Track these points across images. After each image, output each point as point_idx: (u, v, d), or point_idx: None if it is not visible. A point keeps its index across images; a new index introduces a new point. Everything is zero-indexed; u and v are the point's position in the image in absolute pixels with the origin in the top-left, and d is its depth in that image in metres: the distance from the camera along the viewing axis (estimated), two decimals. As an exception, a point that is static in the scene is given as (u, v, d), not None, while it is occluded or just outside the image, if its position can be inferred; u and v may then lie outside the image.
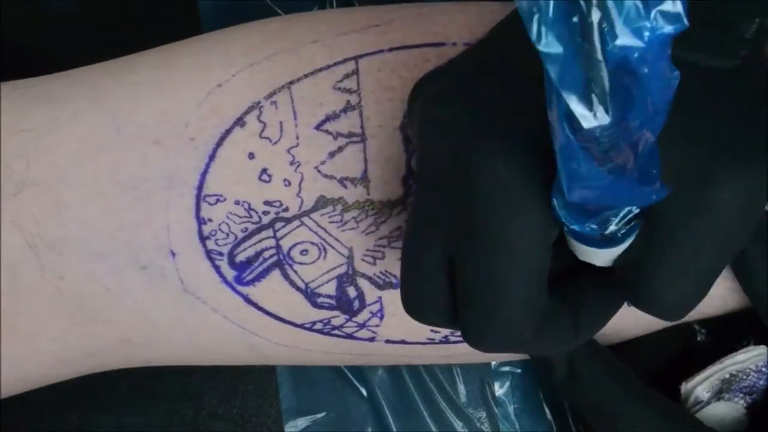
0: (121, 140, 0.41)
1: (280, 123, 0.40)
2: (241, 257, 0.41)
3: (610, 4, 0.23)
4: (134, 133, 0.41)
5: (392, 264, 0.41)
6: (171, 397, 0.55)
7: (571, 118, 0.25)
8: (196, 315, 0.42)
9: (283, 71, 0.41)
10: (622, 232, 0.31)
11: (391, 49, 0.41)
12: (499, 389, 0.55)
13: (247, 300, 0.42)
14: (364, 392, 0.55)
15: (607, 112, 0.25)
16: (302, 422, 0.55)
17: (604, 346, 0.43)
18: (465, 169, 0.32)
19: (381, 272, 0.41)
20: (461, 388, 0.55)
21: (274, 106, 0.41)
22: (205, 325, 0.43)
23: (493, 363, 0.55)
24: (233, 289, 0.41)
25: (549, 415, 0.55)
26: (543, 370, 0.42)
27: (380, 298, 0.41)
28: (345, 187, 0.40)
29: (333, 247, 0.41)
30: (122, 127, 0.41)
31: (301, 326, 0.43)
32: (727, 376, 0.41)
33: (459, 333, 0.41)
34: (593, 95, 0.24)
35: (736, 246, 0.32)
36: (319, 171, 0.40)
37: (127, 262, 0.41)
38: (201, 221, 0.40)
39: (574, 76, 0.24)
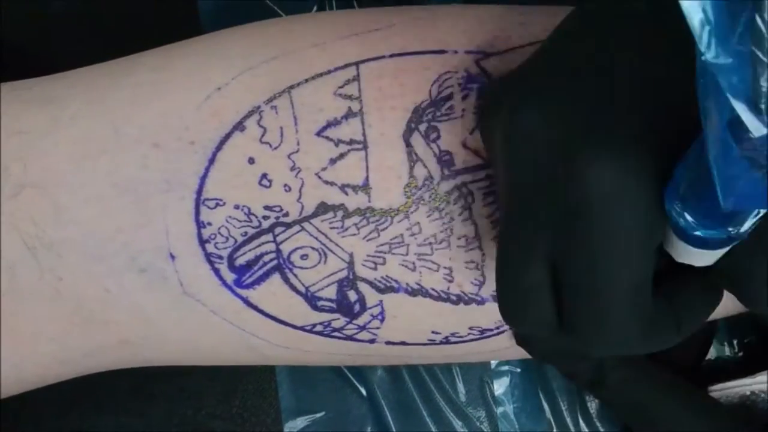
0: (120, 142, 0.41)
1: (281, 128, 0.40)
2: (240, 261, 0.41)
3: None
4: (133, 136, 0.41)
5: (393, 270, 0.41)
6: (170, 396, 0.55)
7: (735, 128, 0.25)
8: (196, 317, 0.42)
9: (283, 75, 0.41)
10: (744, 230, 0.30)
11: (392, 56, 0.41)
12: (499, 389, 0.55)
13: (247, 303, 0.41)
14: (364, 392, 0.55)
15: None
16: (301, 422, 0.55)
17: None
18: (573, 173, 0.31)
19: (382, 277, 0.41)
20: (461, 388, 0.55)
21: (275, 110, 0.40)
22: (205, 326, 0.42)
23: (493, 363, 0.55)
24: (233, 291, 0.41)
25: (548, 415, 0.55)
26: (565, 373, 0.42)
27: (381, 301, 0.41)
28: (346, 194, 0.40)
29: (333, 252, 0.40)
30: (121, 129, 0.41)
31: (301, 328, 0.43)
32: (748, 393, 0.41)
33: (460, 334, 0.42)
34: (762, 104, 0.24)
35: None
36: (320, 177, 0.40)
37: (126, 265, 0.41)
38: (200, 225, 0.40)
39: (744, 84, 0.24)
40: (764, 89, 0.24)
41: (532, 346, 0.43)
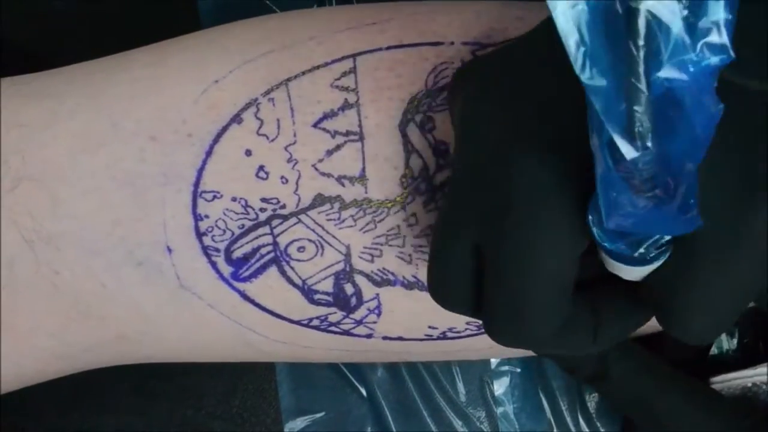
0: (118, 136, 0.41)
1: (278, 120, 0.40)
2: (237, 254, 0.41)
3: (657, 36, 0.23)
4: (131, 129, 0.41)
5: (390, 262, 0.41)
6: (171, 396, 0.55)
7: (613, 148, 0.25)
8: (193, 311, 0.42)
9: (280, 68, 0.41)
10: (651, 255, 0.31)
11: (388, 48, 0.41)
12: (499, 389, 0.55)
13: (244, 296, 0.41)
14: (364, 392, 0.55)
15: (649, 143, 0.24)
16: (301, 422, 0.55)
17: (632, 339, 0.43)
18: (503, 170, 0.31)
19: (379, 269, 0.41)
20: (461, 388, 0.55)
21: (272, 103, 0.40)
22: (202, 321, 0.42)
23: (493, 363, 0.55)
24: (230, 285, 0.41)
25: (548, 415, 0.55)
26: (565, 367, 0.42)
27: (378, 295, 0.41)
28: (343, 185, 0.40)
29: (330, 245, 0.40)
30: (119, 123, 0.41)
31: (298, 323, 0.42)
32: (749, 384, 0.41)
33: (457, 329, 0.41)
34: (636, 127, 0.24)
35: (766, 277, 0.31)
36: (316, 169, 0.40)
37: (124, 258, 0.41)
38: (198, 217, 0.40)
39: (618, 107, 0.24)
40: (638, 113, 0.24)
41: None
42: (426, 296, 0.41)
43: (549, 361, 0.54)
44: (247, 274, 0.41)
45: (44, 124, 0.42)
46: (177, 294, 0.41)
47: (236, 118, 0.40)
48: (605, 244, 0.30)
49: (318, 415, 0.55)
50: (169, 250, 0.41)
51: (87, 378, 0.47)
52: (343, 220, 0.40)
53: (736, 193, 0.29)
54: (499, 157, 0.32)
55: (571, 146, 0.30)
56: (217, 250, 0.40)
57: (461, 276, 0.34)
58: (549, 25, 0.35)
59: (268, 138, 0.40)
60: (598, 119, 0.25)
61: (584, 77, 0.24)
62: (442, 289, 0.36)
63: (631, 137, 0.24)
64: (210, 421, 0.55)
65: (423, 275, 0.41)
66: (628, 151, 0.25)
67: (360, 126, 0.40)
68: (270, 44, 0.42)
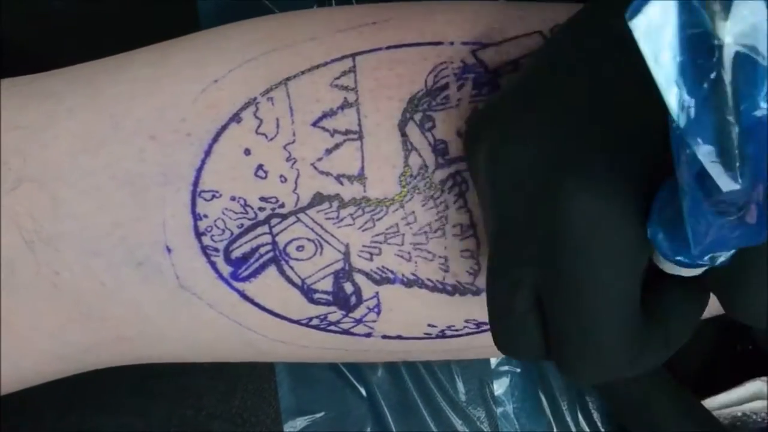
0: (118, 136, 0.41)
1: (277, 119, 0.40)
2: (236, 253, 0.41)
3: (748, 71, 0.23)
4: (131, 129, 0.41)
5: (389, 260, 0.41)
6: (170, 397, 0.55)
7: (702, 180, 0.25)
8: (192, 311, 0.42)
9: (279, 67, 0.41)
10: (721, 258, 0.31)
11: (388, 47, 0.41)
12: (499, 388, 0.55)
13: (243, 296, 0.41)
14: (364, 392, 0.55)
15: (741, 176, 0.25)
16: (301, 422, 0.55)
17: None
18: (550, 205, 0.31)
19: (378, 268, 0.41)
20: (461, 388, 0.55)
21: (271, 102, 0.40)
22: (201, 321, 0.42)
23: (493, 363, 0.55)
24: (229, 285, 0.41)
25: (548, 415, 0.55)
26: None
27: (377, 293, 0.41)
28: (341, 184, 0.40)
29: (329, 243, 0.40)
30: (119, 123, 0.41)
31: (298, 322, 0.42)
32: (739, 414, 0.41)
33: (456, 327, 0.41)
34: (730, 160, 0.24)
35: None
36: (315, 168, 0.40)
37: (123, 258, 0.41)
38: (197, 217, 0.40)
39: (709, 142, 0.24)
40: (731, 147, 0.24)
41: None
42: (425, 293, 0.41)
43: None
44: (246, 273, 0.41)
45: (44, 124, 0.41)
46: (176, 294, 0.41)
47: (235, 117, 0.40)
48: (677, 258, 0.30)
49: (318, 415, 0.55)
50: (169, 250, 0.40)
51: (86, 379, 0.47)
52: (342, 219, 0.40)
53: None
54: (544, 194, 0.32)
55: (615, 164, 0.30)
56: (216, 249, 0.40)
57: (526, 325, 0.34)
58: (554, 50, 0.35)
59: (267, 137, 0.40)
60: (691, 152, 0.25)
61: (681, 122, 0.24)
62: (510, 341, 0.36)
63: (726, 170, 0.24)
64: (210, 422, 0.55)
65: (422, 273, 0.41)
66: (725, 185, 0.25)
67: (359, 125, 0.40)
68: (270, 44, 0.42)
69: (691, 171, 0.25)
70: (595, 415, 0.55)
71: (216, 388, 0.56)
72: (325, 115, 0.40)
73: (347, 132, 0.40)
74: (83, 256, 0.41)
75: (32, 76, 0.45)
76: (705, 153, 0.24)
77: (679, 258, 0.30)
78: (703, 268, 0.32)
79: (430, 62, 0.41)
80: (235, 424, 0.55)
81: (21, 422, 0.53)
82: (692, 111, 0.24)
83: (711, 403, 0.44)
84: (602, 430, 0.54)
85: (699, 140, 0.24)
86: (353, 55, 0.41)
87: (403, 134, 0.40)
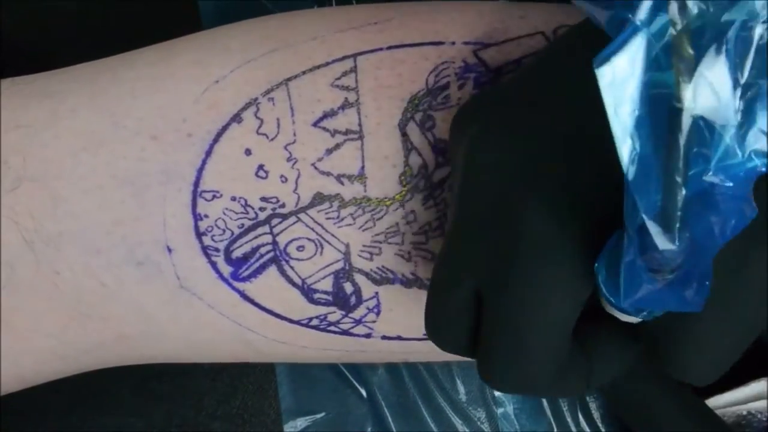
0: (119, 135, 0.41)
1: (278, 119, 0.40)
2: (237, 253, 0.41)
3: (705, 139, 0.24)
4: (132, 128, 0.41)
5: (389, 260, 0.41)
6: (171, 397, 0.55)
7: (642, 235, 0.26)
8: (193, 311, 0.42)
9: (280, 68, 0.41)
10: (655, 314, 0.31)
11: (389, 48, 0.41)
12: (499, 389, 0.55)
13: (244, 296, 0.41)
14: (364, 392, 0.55)
15: (679, 239, 0.25)
16: (302, 422, 0.55)
17: None
18: (509, 216, 0.32)
19: (378, 268, 0.41)
20: (461, 388, 0.55)
21: (272, 102, 0.40)
22: (202, 321, 0.42)
23: (493, 363, 0.55)
24: (229, 285, 0.41)
25: (549, 415, 0.55)
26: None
27: (377, 293, 0.41)
28: (342, 183, 0.40)
29: (329, 243, 0.40)
30: (120, 122, 0.41)
31: (298, 322, 0.42)
32: (744, 413, 0.41)
33: None
34: (671, 221, 0.25)
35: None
36: (316, 168, 0.40)
37: (124, 258, 0.41)
38: (197, 217, 0.40)
39: (655, 200, 0.25)
40: (674, 209, 0.24)
41: None
42: (424, 294, 0.41)
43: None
44: (246, 273, 0.41)
45: (45, 123, 0.42)
46: (177, 294, 0.41)
47: (236, 118, 0.40)
48: (612, 300, 0.31)
49: (318, 416, 0.55)
50: (169, 249, 0.41)
51: (87, 379, 0.47)
52: (342, 219, 0.40)
53: (736, 243, 0.29)
54: (506, 204, 0.32)
55: (579, 193, 0.30)
56: (217, 249, 0.41)
57: (460, 320, 0.35)
58: (553, 57, 0.35)
59: (267, 137, 0.40)
60: (633, 207, 0.25)
61: (629, 175, 0.25)
62: (440, 331, 0.36)
63: (664, 230, 0.25)
64: (210, 422, 0.55)
65: (422, 272, 0.41)
66: (662, 243, 0.25)
67: (360, 125, 0.40)
68: (271, 44, 0.42)
69: (632, 224, 0.26)
70: (596, 416, 0.55)
71: (216, 388, 0.56)
72: (325, 115, 0.40)
73: (348, 132, 0.40)
74: (84, 255, 0.41)
75: (31, 76, 0.45)
76: (647, 209, 0.25)
77: (612, 300, 0.31)
78: (639, 319, 0.32)
79: (431, 62, 0.41)
80: (236, 425, 0.55)
81: (21, 422, 0.53)
82: (642, 166, 0.25)
83: (715, 402, 0.44)
84: (603, 430, 0.54)
85: (644, 195, 0.25)
86: (354, 56, 0.41)
87: (404, 134, 0.40)
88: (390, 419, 0.55)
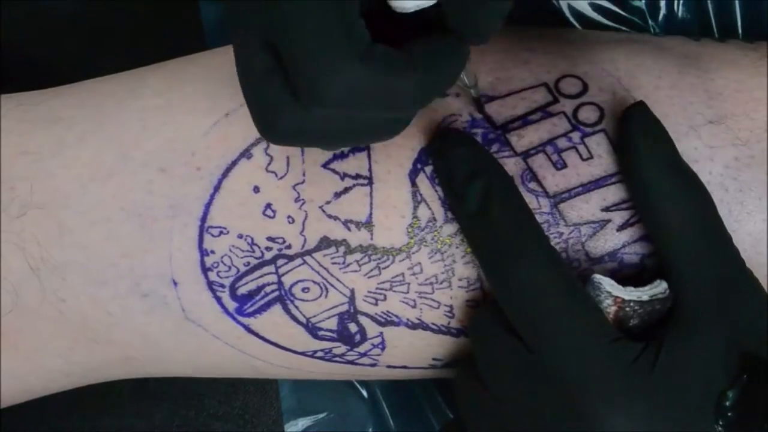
0: (127, 166, 0.42)
1: (287, 158, 0.41)
2: (242, 290, 0.42)
3: None
4: (140, 160, 0.42)
5: (394, 306, 0.42)
6: (172, 397, 0.56)
7: None
8: (198, 340, 0.43)
9: None
10: None
11: None
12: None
13: (248, 330, 0.42)
14: (365, 393, 0.56)
15: None
16: (303, 422, 0.56)
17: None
18: None
19: (383, 312, 0.42)
20: None
21: None
22: (207, 349, 0.44)
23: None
24: (234, 319, 0.42)
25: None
26: (453, 202, 0.41)
27: (381, 333, 0.42)
28: (349, 229, 0.41)
29: (334, 287, 0.41)
30: (128, 154, 0.42)
31: (303, 353, 0.44)
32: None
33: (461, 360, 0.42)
34: None
35: None
36: (323, 211, 0.41)
37: (130, 289, 0.42)
38: (204, 252, 0.41)
39: None
40: None
41: None
42: (429, 335, 0.42)
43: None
44: (251, 310, 0.42)
45: (52, 151, 0.42)
46: (182, 325, 0.43)
47: (246, 153, 0.41)
48: None
49: (319, 416, 0.56)
50: (175, 283, 0.41)
51: (88, 379, 0.48)
52: (348, 265, 0.41)
53: None
54: None
55: None
56: (222, 285, 0.41)
57: (271, 84, 0.34)
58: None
59: (276, 175, 0.41)
60: None
61: None
62: (265, 113, 0.35)
63: None
64: (211, 422, 0.56)
65: (427, 318, 0.42)
66: None
67: (370, 170, 0.41)
68: None
69: None
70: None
71: (218, 389, 0.57)
72: (335, 157, 0.41)
73: (357, 176, 0.41)
74: (89, 285, 0.42)
75: (37, 95, 0.45)
76: None
77: None
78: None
79: (439, 114, 0.41)
80: (237, 425, 0.57)
81: (23, 422, 0.55)
82: None
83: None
84: None
85: None
86: None
87: (413, 184, 0.41)
88: (390, 419, 0.56)
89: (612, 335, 0.37)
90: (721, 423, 0.37)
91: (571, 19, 0.54)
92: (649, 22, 0.55)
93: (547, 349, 0.37)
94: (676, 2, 0.55)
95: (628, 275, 0.41)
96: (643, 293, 0.39)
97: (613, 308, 0.39)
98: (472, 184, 0.39)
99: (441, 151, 0.40)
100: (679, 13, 0.54)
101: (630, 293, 0.39)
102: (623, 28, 0.55)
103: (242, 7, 0.33)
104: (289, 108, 0.34)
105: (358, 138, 0.38)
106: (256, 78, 0.34)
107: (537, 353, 0.37)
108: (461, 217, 0.40)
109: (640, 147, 0.39)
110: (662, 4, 0.55)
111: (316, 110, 0.34)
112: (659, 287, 0.39)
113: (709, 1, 0.54)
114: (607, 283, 0.38)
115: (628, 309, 0.39)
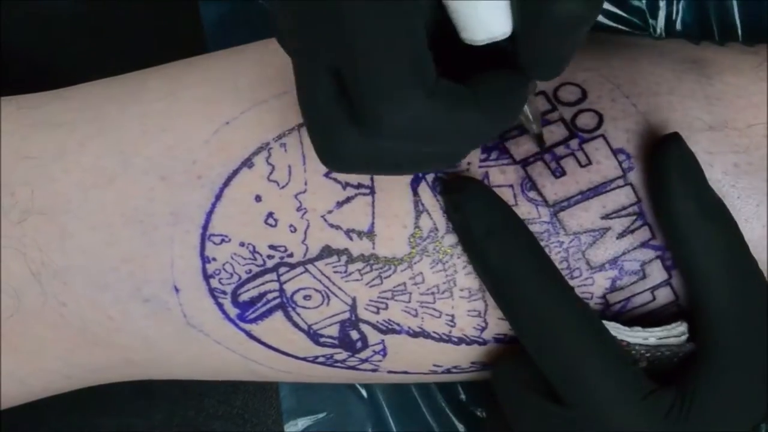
0: (128, 173, 0.42)
1: (289, 167, 0.41)
2: (244, 297, 0.42)
3: None
4: (141, 167, 0.42)
5: (396, 314, 0.42)
6: (172, 397, 0.57)
7: None
8: (199, 345, 0.44)
9: (292, 112, 0.42)
10: None
11: None
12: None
13: (250, 335, 0.43)
14: (364, 393, 0.57)
15: None
16: (302, 422, 0.56)
17: None
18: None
19: (384, 320, 0.42)
20: (461, 388, 0.56)
21: (283, 148, 0.41)
22: (208, 353, 0.44)
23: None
24: (236, 325, 0.43)
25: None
26: (472, 257, 0.41)
27: (383, 340, 0.43)
28: (351, 239, 0.41)
29: (336, 296, 0.42)
30: (129, 159, 0.42)
31: (304, 359, 0.44)
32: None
33: (462, 367, 0.43)
34: None
35: None
36: (325, 220, 0.41)
37: (131, 294, 0.42)
38: (205, 260, 0.42)
39: None
40: None
41: None
42: (431, 343, 0.43)
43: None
44: (253, 316, 0.42)
45: (54, 156, 0.43)
46: (183, 330, 0.43)
47: (247, 162, 0.41)
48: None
49: (319, 416, 0.56)
50: (177, 289, 0.42)
51: (88, 378, 0.48)
52: (350, 274, 0.41)
53: None
54: None
55: None
56: (224, 292, 0.42)
57: (333, 111, 0.34)
58: None
59: (278, 184, 0.41)
60: None
61: None
62: (328, 143, 0.36)
63: None
64: (211, 422, 0.57)
65: (428, 326, 0.42)
66: None
67: (372, 180, 0.41)
68: (282, 85, 0.42)
69: None
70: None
71: (217, 388, 0.57)
72: None
73: (359, 186, 0.41)
74: (90, 289, 0.42)
75: (37, 98, 0.45)
76: None
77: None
78: (499, 17, 0.34)
79: None
80: (237, 425, 0.57)
81: (22, 422, 0.55)
82: None
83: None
84: None
85: None
86: None
87: (415, 194, 0.41)
88: (390, 419, 0.56)
89: (648, 388, 0.38)
90: None
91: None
92: (650, 21, 0.55)
93: (587, 406, 0.38)
94: (676, 2, 0.55)
95: (638, 315, 0.42)
96: (651, 335, 0.39)
97: None
98: (493, 240, 0.39)
99: (457, 204, 0.40)
100: (679, 14, 0.55)
101: (635, 335, 0.39)
102: (623, 28, 0.55)
103: (311, 30, 0.34)
104: (353, 138, 0.34)
105: (418, 167, 0.38)
106: (320, 104, 0.35)
107: (575, 409, 0.38)
108: (481, 273, 0.40)
109: (676, 185, 0.39)
110: (662, 4, 0.55)
111: (379, 141, 0.34)
112: (674, 330, 0.39)
113: (709, 1, 0.54)
114: (612, 327, 0.39)
115: (633, 352, 0.40)
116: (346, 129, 0.34)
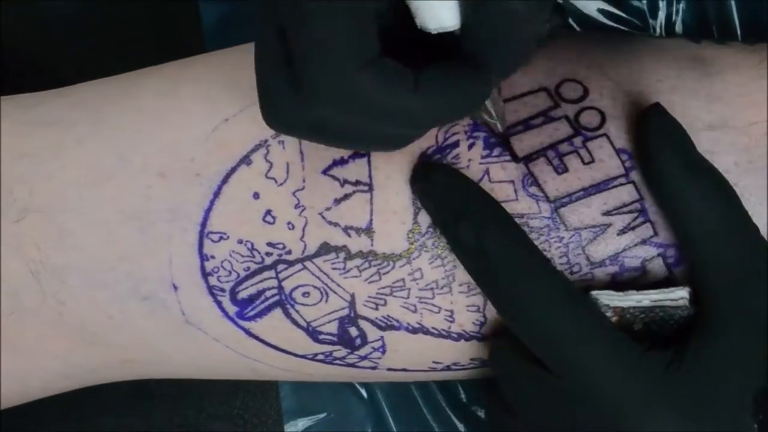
0: (125, 170, 0.42)
1: (287, 164, 0.41)
2: (242, 295, 0.42)
3: None
4: (138, 164, 0.42)
5: (395, 310, 0.42)
6: (172, 397, 0.57)
7: None
8: (198, 343, 0.44)
9: None
10: None
11: None
12: (500, 389, 0.56)
13: (249, 333, 0.43)
14: (364, 393, 0.57)
15: None
16: (302, 423, 0.56)
17: None
18: None
19: (383, 316, 0.42)
20: (461, 388, 0.56)
21: (281, 146, 0.41)
22: (207, 351, 0.44)
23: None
24: (235, 323, 0.43)
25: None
26: (448, 239, 0.41)
27: (382, 337, 0.43)
28: (349, 236, 0.41)
29: (335, 292, 0.42)
30: (126, 157, 0.42)
31: (303, 356, 0.44)
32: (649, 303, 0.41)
33: (461, 364, 0.44)
34: None
35: None
36: (323, 217, 0.41)
37: (129, 292, 0.42)
38: (204, 257, 0.42)
39: None
40: None
41: None
42: (430, 339, 0.43)
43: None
44: (251, 314, 0.42)
45: (51, 154, 0.43)
46: (182, 328, 0.43)
47: (245, 159, 0.41)
48: None
49: (319, 416, 0.57)
50: (175, 287, 0.42)
51: (88, 378, 0.48)
52: (348, 270, 0.41)
53: None
54: None
55: None
56: (223, 290, 0.42)
57: (275, 54, 0.35)
58: None
59: (276, 182, 0.41)
60: None
61: None
62: (261, 69, 0.36)
63: None
64: (211, 422, 0.57)
65: (427, 322, 0.42)
66: None
67: (370, 177, 0.41)
68: None
69: None
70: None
71: (217, 388, 0.57)
72: (335, 163, 0.41)
73: (357, 183, 0.41)
74: (89, 288, 0.43)
75: (35, 97, 0.46)
76: None
77: None
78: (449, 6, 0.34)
79: None
80: (236, 425, 0.57)
81: (22, 422, 0.55)
82: None
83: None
84: None
85: None
86: None
87: (414, 190, 0.41)
88: (390, 419, 0.56)
89: (642, 348, 0.38)
90: (761, 417, 0.37)
91: (571, 20, 0.55)
92: (650, 22, 0.55)
93: (575, 374, 0.38)
94: (675, 3, 0.55)
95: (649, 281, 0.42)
96: (645, 297, 0.39)
97: (615, 318, 0.39)
98: (463, 221, 0.39)
99: (425, 190, 0.40)
100: (679, 14, 0.55)
101: (628, 298, 0.39)
102: (623, 29, 0.55)
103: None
104: (292, 101, 0.35)
105: (358, 143, 0.38)
106: (266, 65, 0.35)
107: (564, 378, 0.38)
108: (458, 254, 0.40)
109: (661, 149, 0.39)
110: (662, 4, 0.55)
111: (317, 109, 0.34)
112: (672, 294, 0.39)
113: (708, 2, 0.54)
114: (604, 296, 0.39)
115: (628, 316, 0.39)
116: (287, 93, 0.35)
